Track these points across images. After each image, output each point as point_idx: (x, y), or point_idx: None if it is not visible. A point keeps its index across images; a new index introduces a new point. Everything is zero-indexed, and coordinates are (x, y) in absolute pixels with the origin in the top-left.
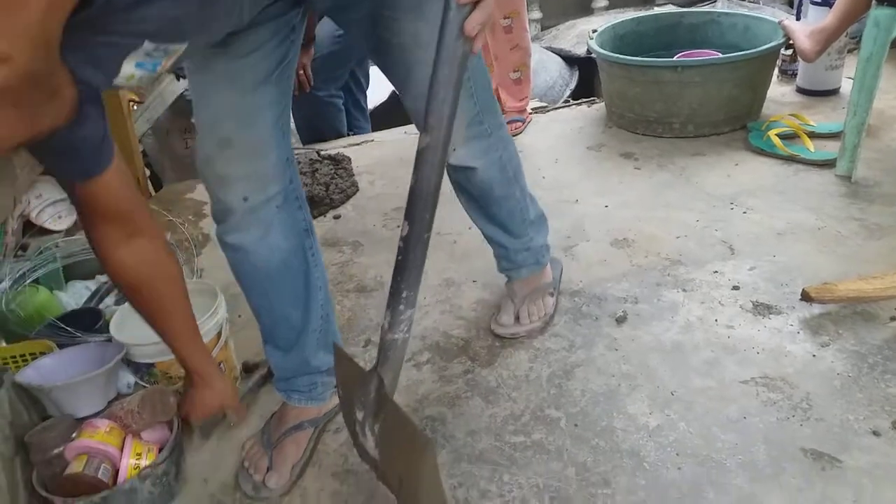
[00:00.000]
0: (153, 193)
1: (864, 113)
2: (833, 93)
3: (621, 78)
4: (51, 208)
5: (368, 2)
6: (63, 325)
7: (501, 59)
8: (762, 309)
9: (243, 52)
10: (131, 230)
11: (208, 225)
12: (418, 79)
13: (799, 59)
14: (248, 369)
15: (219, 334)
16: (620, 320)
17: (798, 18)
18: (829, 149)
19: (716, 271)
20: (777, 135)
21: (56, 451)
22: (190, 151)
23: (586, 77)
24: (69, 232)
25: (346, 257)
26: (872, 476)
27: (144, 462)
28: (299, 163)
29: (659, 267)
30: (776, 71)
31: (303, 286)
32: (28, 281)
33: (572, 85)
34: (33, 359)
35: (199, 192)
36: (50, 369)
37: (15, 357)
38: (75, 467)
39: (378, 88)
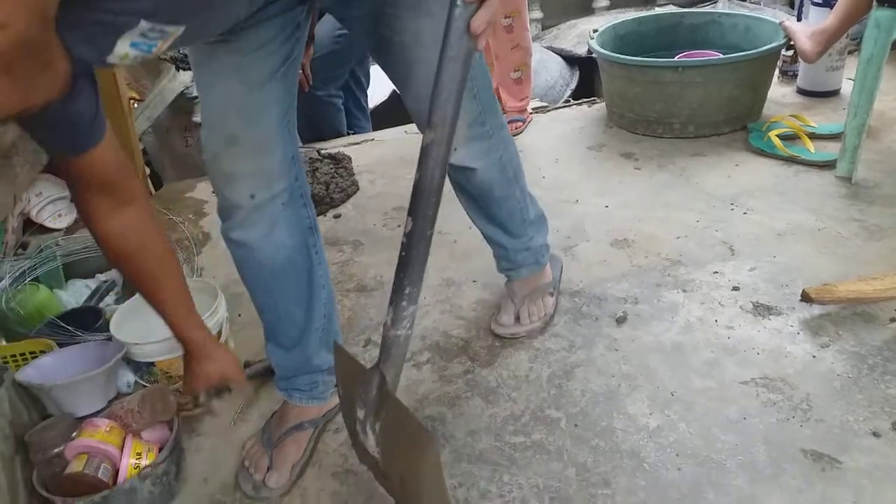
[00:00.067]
0: (153, 192)
1: (864, 114)
2: (834, 94)
3: (622, 78)
4: (51, 206)
5: None
6: (63, 324)
7: (502, 59)
8: (762, 310)
9: (249, 48)
10: (121, 200)
11: (208, 223)
12: (419, 78)
13: (800, 59)
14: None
15: (219, 334)
16: (620, 321)
17: (799, 19)
18: (830, 150)
19: (716, 272)
20: (777, 136)
21: (56, 450)
22: (190, 150)
23: (587, 77)
24: (69, 230)
25: (346, 256)
26: (872, 477)
27: (144, 461)
28: None
29: (659, 267)
30: (777, 72)
31: (306, 284)
32: (28, 279)
33: (573, 85)
34: (33, 357)
35: (200, 191)
36: (50, 368)
37: (15, 356)
38: (75, 467)
39: (379, 88)
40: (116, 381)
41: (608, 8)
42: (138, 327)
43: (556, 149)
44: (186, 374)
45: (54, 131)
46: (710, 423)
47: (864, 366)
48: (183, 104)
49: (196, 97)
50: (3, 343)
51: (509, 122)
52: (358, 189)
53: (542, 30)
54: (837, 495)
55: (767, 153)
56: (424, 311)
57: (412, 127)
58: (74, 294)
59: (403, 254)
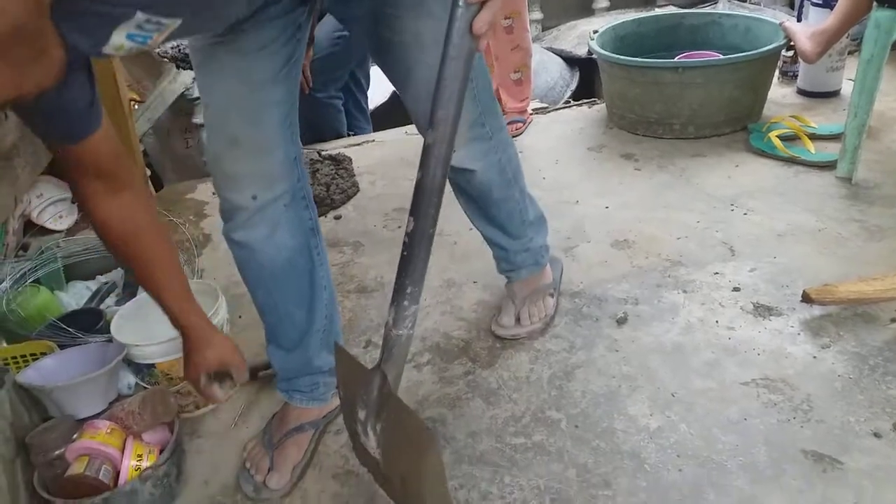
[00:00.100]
0: (154, 193)
1: (864, 115)
2: (834, 94)
3: (622, 79)
4: (52, 208)
5: None
6: (64, 326)
7: (502, 60)
8: (763, 310)
9: (251, 49)
10: (116, 185)
11: (209, 225)
12: (419, 78)
13: (800, 60)
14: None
15: None
16: (621, 321)
17: (799, 20)
18: (830, 150)
19: (716, 272)
20: (778, 136)
21: (57, 452)
22: (191, 151)
23: (587, 78)
24: (70, 232)
25: (346, 258)
26: (873, 478)
27: (145, 463)
28: None
29: (659, 268)
30: (777, 72)
31: (308, 285)
32: (29, 281)
33: (573, 86)
34: (34, 359)
35: (200, 192)
36: (51, 370)
37: (16, 358)
38: (76, 469)
39: (379, 89)
40: (117, 383)
41: (608, 9)
42: (139, 329)
43: (556, 150)
44: (186, 362)
45: (49, 120)
46: (710, 423)
47: (865, 366)
48: (183, 106)
49: (197, 98)
50: (4, 345)
51: (509, 123)
52: (358, 190)
53: (542, 31)
54: (838, 496)
55: (768, 154)
56: (425, 313)
57: (412, 128)
58: (75, 296)
59: (405, 253)
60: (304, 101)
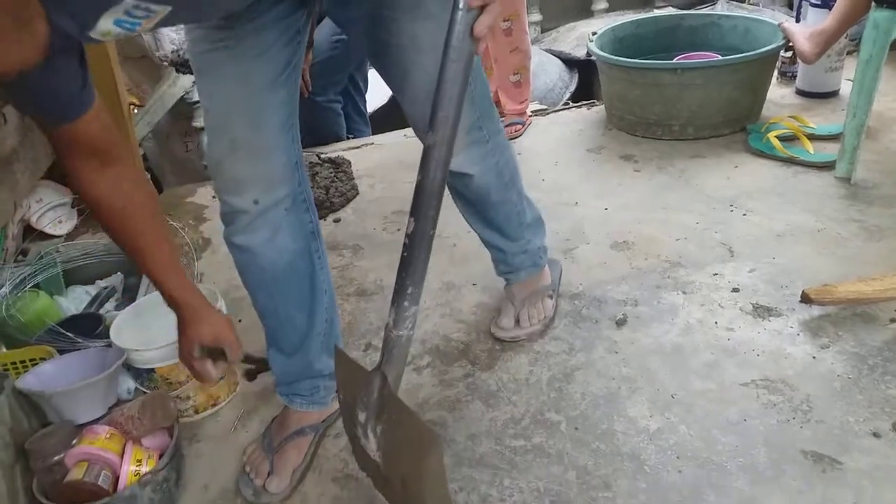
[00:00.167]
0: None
1: (863, 115)
2: (832, 95)
3: (621, 80)
4: (51, 213)
5: (368, 0)
6: (63, 331)
7: (501, 62)
8: (762, 311)
9: (251, 54)
10: (108, 162)
11: (209, 229)
12: (416, 81)
13: (798, 61)
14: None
15: None
16: (620, 323)
17: (798, 20)
18: (829, 151)
19: (715, 273)
20: (777, 137)
21: (56, 457)
22: (190, 155)
23: (586, 79)
24: (70, 236)
25: (346, 261)
26: (873, 478)
27: (145, 468)
28: None
29: (659, 269)
30: (776, 73)
31: (308, 289)
32: (28, 286)
33: (572, 87)
34: (33, 365)
35: (200, 196)
36: (50, 375)
37: (15, 363)
38: (76, 474)
39: (377, 92)
40: (116, 388)
41: (607, 10)
42: (138, 334)
43: (555, 151)
44: (179, 339)
45: (41, 102)
46: (710, 424)
47: (865, 366)
48: (183, 109)
49: (196, 102)
50: (4, 350)
51: (509, 125)
52: (358, 193)
53: (541, 32)
54: (838, 496)
55: (767, 154)
56: (424, 315)
57: (411, 131)
58: (75, 300)
59: (405, 254)
60: (304, 105)
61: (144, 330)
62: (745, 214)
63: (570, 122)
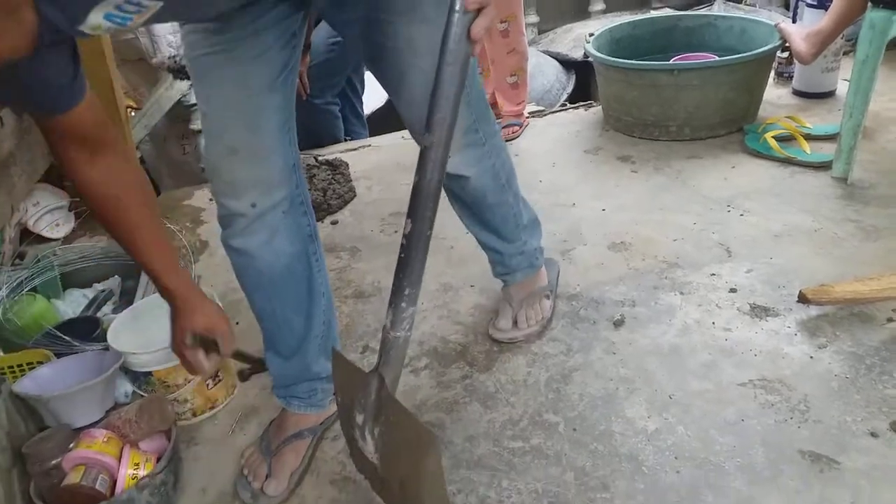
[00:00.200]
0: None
1: (859, 115)
2: (829, 95)
3: (618, 81)
4: (48, 216)
5: (364, 2)
6: (60, 334)
7: (498, 64)
8: (759, 311)
9: (247, 57)
10: (99, 149)
11: (206, 231)
12: (413, 83)
13: (795, 61)
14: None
15: None
16: (618, 324)
17: (794, 21)
18: (826, 151)
19: (713, 274)
20: (773, 137)
21: (53, 461)
22: (187, 158)
23: (583, 81)
24: (67, 240)
25: (343, 263)
26: (870, 477)
27: (142, 472)
28: None
29: (656, 270)
30: (772, 73)
31: (306, 291)
32: (25, 289)
33: (569, 89)
34: (31, 368)
35: (197, 199)
36: (47, 379)
37: (12, 367)
38: (73, 478)
39: (375, 94)
40: (114, 392)
41: (604, 11)
42: (136, 337)
43: (552, 153)
44: (172, 329)
45: (33, 94)
46: (707, 425)
47: (862, 366)
48: (180, 112)
49: (193, 105)
50: (1, 354)
51: (506, 127)
52: (355, 195)
53: (538, 34)
54: (835, 496)
55: (763, 155)
56: (422, 317)
57: (409, 133)
58: (72, 304)
59: (403, 255)
60: (302, 108)
61: (142, 333)
62: (742, 215)
63: (568, 123)
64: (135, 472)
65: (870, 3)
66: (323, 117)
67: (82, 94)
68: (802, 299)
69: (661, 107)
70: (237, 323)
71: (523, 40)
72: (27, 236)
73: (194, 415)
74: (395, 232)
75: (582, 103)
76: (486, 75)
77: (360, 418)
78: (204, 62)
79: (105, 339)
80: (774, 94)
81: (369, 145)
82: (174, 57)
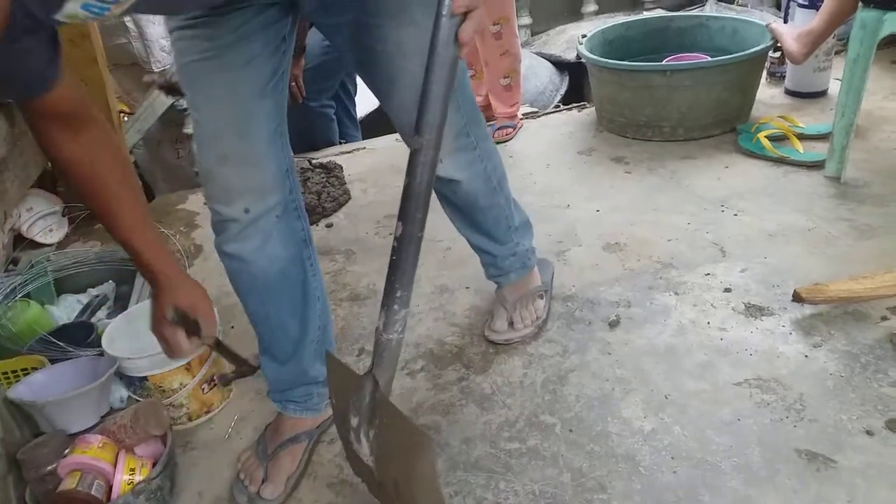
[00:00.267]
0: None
1: (852, 114)
2: (821, 94)
3: (611, 83)
4: (41, 221)
5: (352, 7)
6: (55, 340)
7: (491, 65)
8: (754, 310)
9: (238, 64)
10: (78, 127)
11: (200, 236)
12: (403, 86)
13: (787, 61)
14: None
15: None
16: (613, 324)
17: (785, 21)
18: (818, 150)
19: (707, 274)
20: (766, 137)
21: (49, 467)
22: (181, 162)
23: (576, 82)
24: (60, 245)
25: (338, 266)
26: (866, 476)
27: (138, 477)
28: None
29: (651, 270)
30: (765, 73)
31: (300, 295)
32: (19, 295)
33: (562, 90)
34: (25, 374)
35: (191, 203)
36: (42, 385)
37: (6, 373)
38: (68, 484)
39: (369, 96)
40: (109, 397)
41: (596, 13)
42: (131, 342)
43: (546, 154)
44: (153, 307)
45: (8, 79)
46: (704, 425)
47: (857, 364)
48: (173, 116)
49: (186, 109)
50: None
51: (500, 129)
52: (349, 198)
53: (531, 35)
54: (832, 495)
55: (757, 154)
56: (418, 319)
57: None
58: (66, 309)
59: (394, 258)
60: (298, 111)
61: (137, 338)
62: (736, 215)
63: (561, 124)
64: (131, 477)
65: (861, 3)
66: (318, 120)
67: (55, 77)
68: (797, 298)
69: (655, 107)
70: (232, 327)
71: (516, 42)
72: (20, 242)
73: (190, 419)
74: (390, 234)
75: (575, 105)
76: (479, 77)
77: (354, 421)
78: (194, 69)
79: (100, 345)
80: (767, 93)
81: (363, 148)
82: (164, 71)
